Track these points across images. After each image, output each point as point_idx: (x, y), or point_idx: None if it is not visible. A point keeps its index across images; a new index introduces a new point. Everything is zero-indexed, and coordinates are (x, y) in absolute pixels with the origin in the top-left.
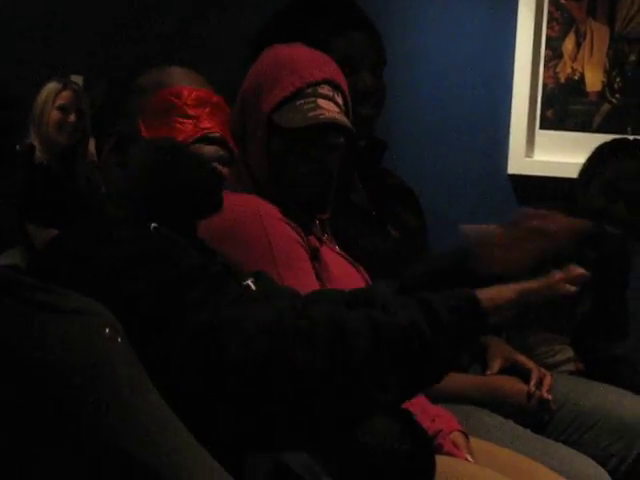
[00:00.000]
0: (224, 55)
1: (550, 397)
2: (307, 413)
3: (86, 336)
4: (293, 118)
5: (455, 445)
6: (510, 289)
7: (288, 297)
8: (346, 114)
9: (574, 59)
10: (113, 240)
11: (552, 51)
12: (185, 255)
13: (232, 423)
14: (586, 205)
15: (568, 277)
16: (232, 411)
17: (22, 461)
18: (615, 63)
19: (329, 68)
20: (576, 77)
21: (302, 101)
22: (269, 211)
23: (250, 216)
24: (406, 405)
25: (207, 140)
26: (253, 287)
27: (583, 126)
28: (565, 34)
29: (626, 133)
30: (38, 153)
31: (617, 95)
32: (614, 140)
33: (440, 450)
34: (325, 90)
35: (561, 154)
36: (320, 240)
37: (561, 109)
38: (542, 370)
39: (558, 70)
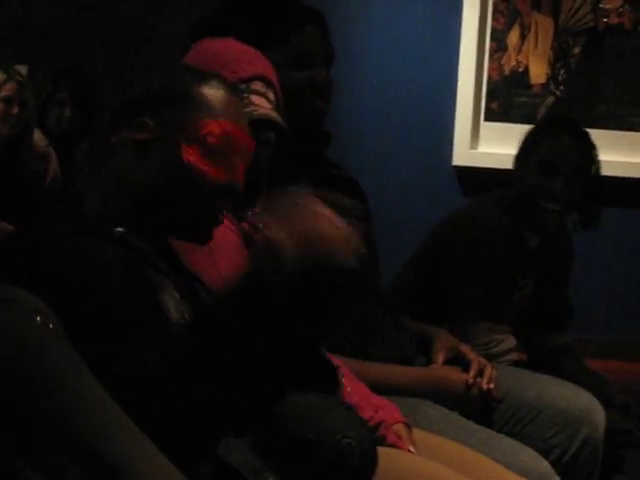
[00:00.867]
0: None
1: (491, 386)
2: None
3: (13, 323)
4: None
5: (398, 436)
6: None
7: None
8: (277, 110)
9: (519, 51)
10: (62, 245)
11: (497, 43)
12: (121, 287)
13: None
14: (524, 184)
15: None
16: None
17: None
18: (559, 55)
19: (261, 64)
20: (520, 69)
21: None
22: None
23: None
24: (349, 396)
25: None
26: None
27: (527, 118)
28: (510, 27)
29: None
30: None
31: (561, 87)
32: (548, 118)
33: (383, 441)
34: (258, 86)
35: (506, 146)
36: (257, 229)
37: (505, 101)
38: (483, 361)
39: (503, 62)
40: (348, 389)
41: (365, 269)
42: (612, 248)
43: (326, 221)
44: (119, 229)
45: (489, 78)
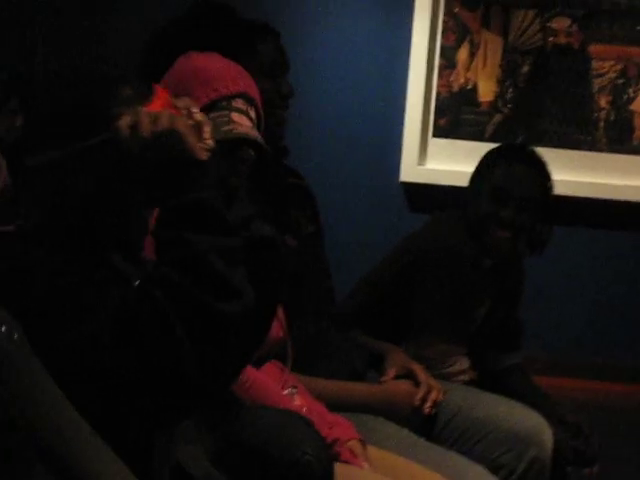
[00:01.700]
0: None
1: (432, 412)
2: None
3: None
4: None
5: (352, 453)
6: None
7: None
8: (258, 127)
9: (468, 69)
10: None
11: (446, 60)
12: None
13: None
14: (477, 210)
15: None
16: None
17: None
18: (508, 74)
19: (244, 81)
20: (469, 87)
21: (216, 114)
22: None
23: None
24: (305, 413)
25: None
26: None
27: (475, 135)
28: (459, 44)
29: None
30: None
31: (509, 105)
32: (502, 145)
33: (337, 458)
34: (239, 104)
35: (453, 163)
36: None
37: (454, 118)
38: (432, 383)
39: (452, 79)
40: (304, 408)
41: (315, 282)
42: (555, 265)
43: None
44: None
45: (438, 95)
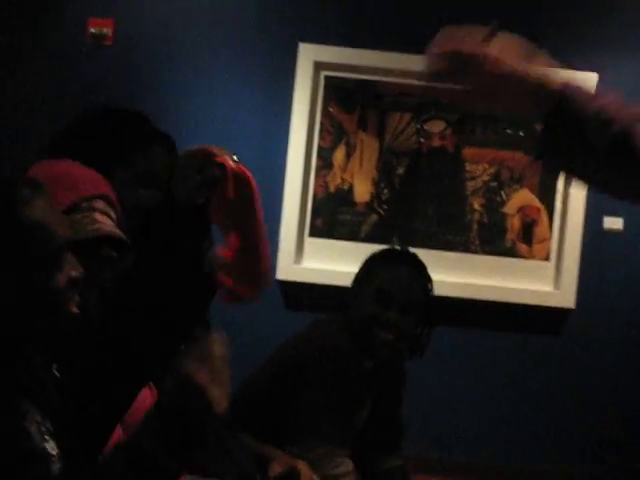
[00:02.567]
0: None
1: None
2: None
3: None
4: (73, 231)
5: None
6: None
7: None
8: (120, 227)
9: (344, 170)
10: None
11: (323, 161)
12: None
13: None
14: (360, 312)
15: None
16: None
17: None
18: (383, 175)
19: (103, 186)
20: (345, 187)
21: (79, 215)
22: None
23: None
24: None
25: None
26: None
27: (351, 235)
28: (336, 145)
29: (392, 243)
30: None
31: (384, 206)
32: (385, 249)
33: None
34: (100, 205)
35: (330, 262)
36: None
37: (330, 218)
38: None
39: (328, 180)
40: None
41: None
42: (437, 366)
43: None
44: None
45: (314, 195)
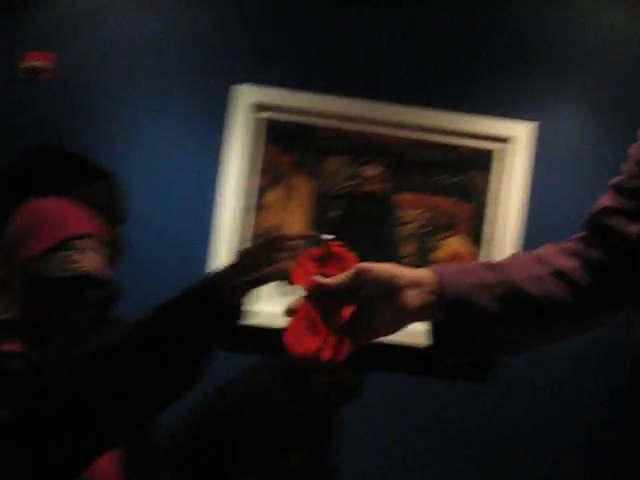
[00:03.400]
0: None
1: None
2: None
3: None
4: (52, 269)
5: None
6: None
7: None
8: (112, 266)
9: (278, 211)
10: None
11: (256, 202)
12: None
13: None
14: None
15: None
16: None
17: None
18: (318, 218)
19: (93, 225)
20: (279, 229)
21: (64, 253)
22: None
23: None
24: None
25: None
26: None
27: (284, 276)
28: (271, 186)
29: None
30: None
31: None
32: None
33: None
34: (87, 244)
35: (261, 302)
36: None
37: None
38: None
39: (262, 221)
40: None
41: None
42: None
43: None
44: None
45: (245, 236)
